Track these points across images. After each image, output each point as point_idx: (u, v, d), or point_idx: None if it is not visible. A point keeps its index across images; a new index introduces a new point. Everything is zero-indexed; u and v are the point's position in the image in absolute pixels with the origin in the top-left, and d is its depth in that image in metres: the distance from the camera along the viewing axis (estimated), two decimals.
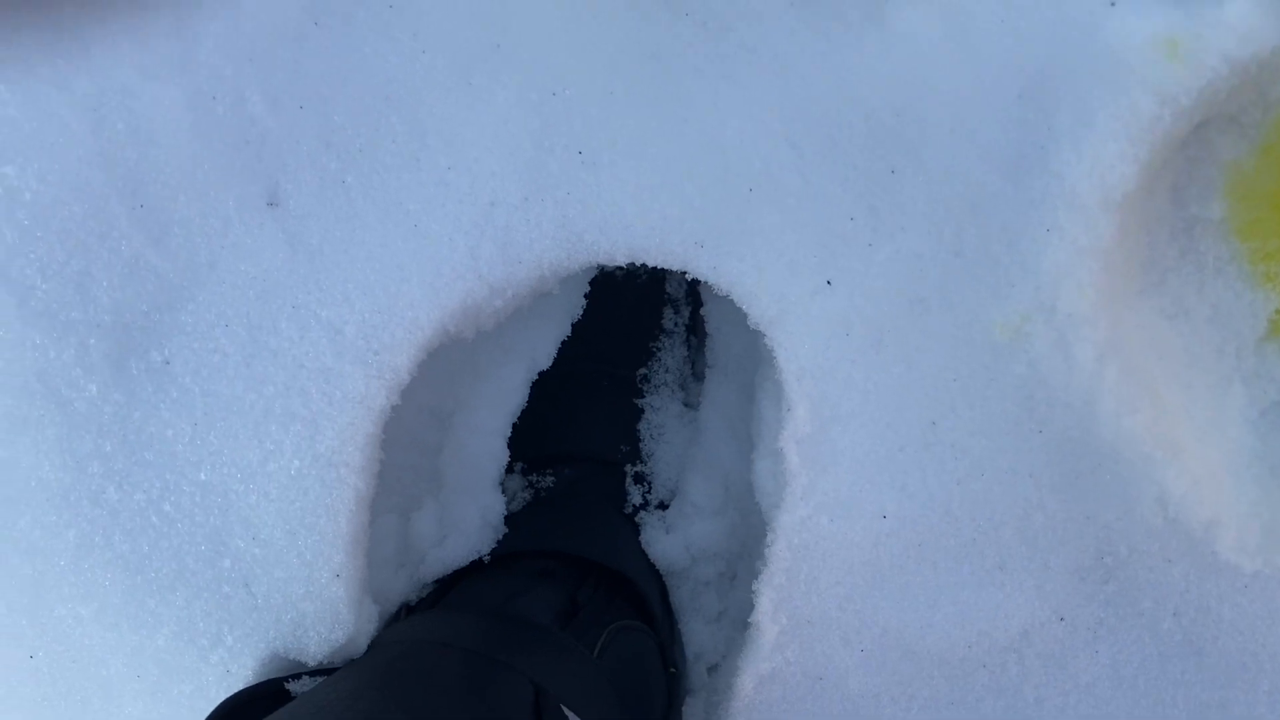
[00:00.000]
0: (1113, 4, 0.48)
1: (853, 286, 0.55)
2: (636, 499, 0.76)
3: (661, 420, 0.77)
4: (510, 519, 0.75)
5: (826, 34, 0.51)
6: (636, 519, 0.76)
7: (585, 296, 0.72)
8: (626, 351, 0.76)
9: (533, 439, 0.76)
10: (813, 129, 0.53)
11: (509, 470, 0.75)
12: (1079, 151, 0.51)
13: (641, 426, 0.77)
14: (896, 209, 0.53)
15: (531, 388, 0.74)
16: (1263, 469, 0.60)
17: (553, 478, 0.75)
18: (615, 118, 0.54)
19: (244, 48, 0.54)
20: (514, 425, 0.74)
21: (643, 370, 0.76)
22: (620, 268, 0.70)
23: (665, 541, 0.76)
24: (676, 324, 0.76)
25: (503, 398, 0.71)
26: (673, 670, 0.74)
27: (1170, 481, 0.56)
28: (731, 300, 0.57)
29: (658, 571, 0.75)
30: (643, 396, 0.77)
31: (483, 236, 0.55)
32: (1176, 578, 0.59)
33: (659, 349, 0.76)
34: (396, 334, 0.56)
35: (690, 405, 0.79)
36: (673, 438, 0.78)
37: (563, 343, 0.72)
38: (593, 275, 0.71)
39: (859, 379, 0.57)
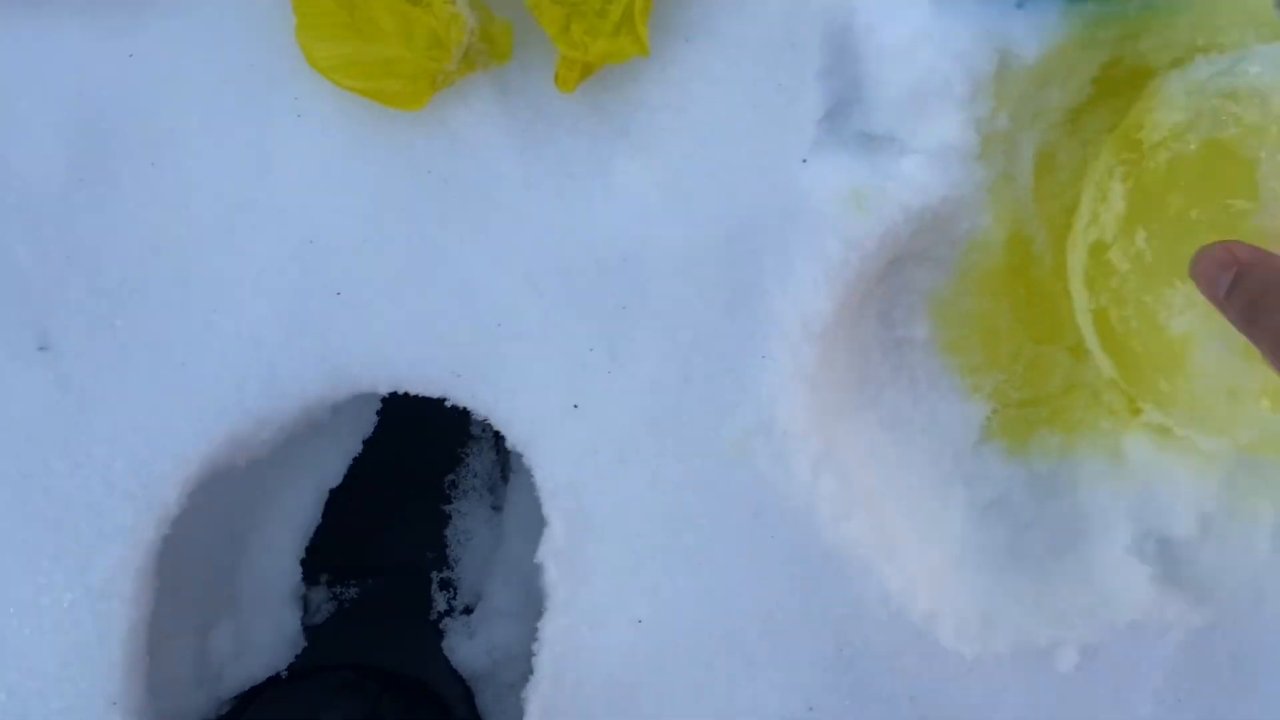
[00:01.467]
0: (805, 161, 0.55)
1: (597, 411, 0.60)
2: (441, 605, 0.79)
3: (469, 525, 0.81)
4: (312, 632, 0.77)
5: (558, 189, 0.57)
6: (441, 625, 0.79)
7: (378, 414, 0.76)
8: (432, 460, 0.79)
9: (336, 551, 0.78)
10: (550, 271, 0.58)
11: (314, 583, 0.78)
12: (783, 288, 0.57)
13: (448, 532, 0.80)
14: (630, 341, 0.59)
15: (334, 499, 0.77)
16: (982, 561, 0.66)
17: (356, 589, 0.78)
18: (370, 262, 0.58)
19: (10, 203, 0.57)
20: (317, 538, 0.77)
21: (451, 476, 0.80)
22: None
23: (468, 646, 0.78)
24: (484, 429, 0.80)
25: (294, 515, 0.74)
26: None
27: (889, 579, 0.61)
28: None
29: (461, 677, 0.78)
30: (450, 502, 0.80)
31: (248, 373, 0.59)
32: (907, 666, 0.65)
33: (466, 454, 0.80)
34: (164, 468, 0.58)
35: (499, 508, 0.83)
36: (479, 542, 0.81)
37: (354, 459, 0.76)
38: (384, 395, 0.75)
39: (608, 495, 0.61)
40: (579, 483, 0.61)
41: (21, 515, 0.58)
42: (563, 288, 0.58)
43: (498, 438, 0.80)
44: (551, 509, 0.61)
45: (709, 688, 0.64)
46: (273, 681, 0.73)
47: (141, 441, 0.59)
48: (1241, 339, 0.56)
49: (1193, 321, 0.56)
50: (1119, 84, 0.64)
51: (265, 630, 0.75)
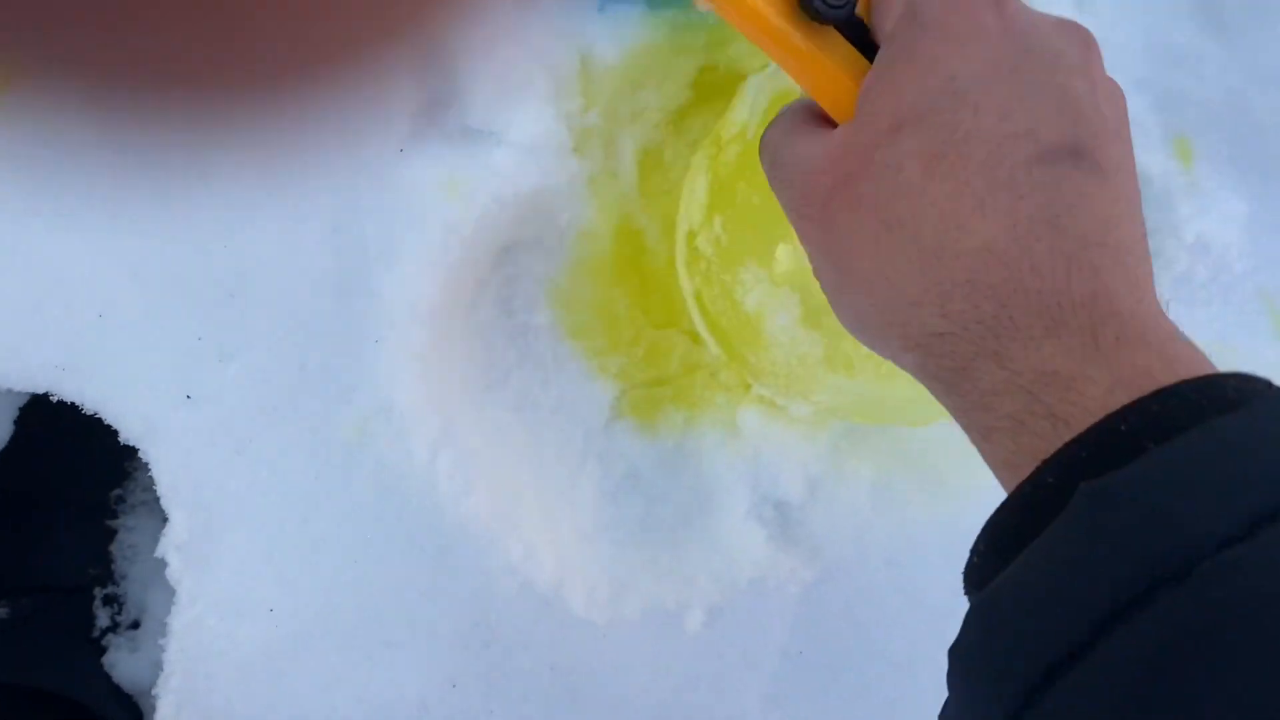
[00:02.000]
0: (401, 150, 0.58)
1: (210, 400, 0.60)
2: (104, 621, 0.77)
3: (136, 540, 0.79)
4: None
5: (155, 183, 0.57)
6: (104, 642, 0.76)
7: (15, 422, 0.73)
8: (94, 473, 0.77)
9: None
10: (151, 261, 0.58)
11: None
12: (390, 274, 0.60)
13: (114, 548, 0.78)
14: (239, 329, 0.60)
15: None
16: (616, 533, 0.71)
17: (8, 609, 0.74)
18: None
19: None
20: None
21: (117, 491, 0.78)
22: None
23: (130, 662, 0.76)
24: None
25: None
26: None
27: (513, 552, 0.65)
28: None
29: (125, 693, 0.76)
30: (116, 517, 0.78)
31: None
32: (543, 636, 0.68)
33: (134, 468, 0.78)
34: None
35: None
36: (148, 558, 0.79)
37: None
38: (25, 400, 0.72)
39: (230, 485, 0.62)
40: (198, 474, 0.61)
41: None
42: (165, 276, 0.58)
43: None
44: (171, 502, 0.61)
45: (348, 672, 0.65)
46: None
47: None
48: (804, 313, 0.62)
49: (762, 297, 0.62)
50: (717, 87, 0.70)
51: None
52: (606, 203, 0.66)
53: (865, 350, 0.66)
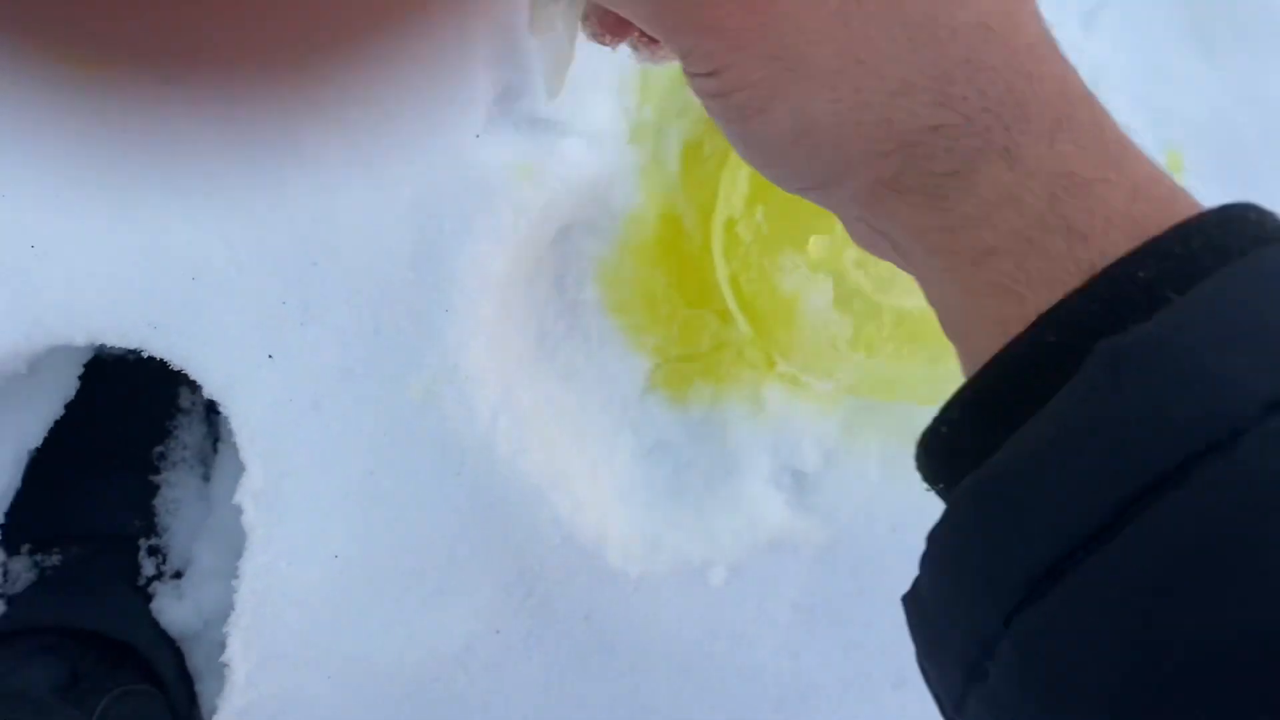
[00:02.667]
0: (478, 137, 0.63)
1: (291, 359, 0.65)
2: (150, 570, 0.81)
3: (178, 495, 0.83)
4: (12, 600, 0.77)
5: (250, 155, 0.62)
6: (149, 590, 0.81)
7: (80, 379, 0.77)
8: (139, 430, 0.81)
9: (38, 519, 0.78)
10: (243, 229, 0.63)
11: (14, 552, 0.78)
12: (462, 249, 0.65)
13: (157, 502, 0.82)
14: (321, 295, 0.64)
15: (31, 467, 0.77)
16: (647, 494, 0.76)
17: (59, 556, 0.78)
18: (65, 218, 0.61)
19: None
20: (15, 507, 0.77)
21: (159, 448, 0.82)
22: (128, 351, 0.76)
23: (177, 608, 0.81)
24: (194, 403, 0.83)
25: None
26: None
27: (560, 507, 0.70)
28: None
29: (170, 638, 0.80)
30: (159, 473, 0.82)
31: None
32: (580, 587, 0.73)
33: (175, 427, 0.82)
34: None
35: (209, 479, 0.85)
36: (189, 511, 0.83)
37: (57, 422, 0.77)
38: (89, 357, 0.76)
39: (303, 438, 0.67)
40: (275, 428, 0.66)
41: None
42: (255, 244, 0.63)
43: (208, 410, 0.83)
44: (249, 453, 0.66)
45: (402, 617, 0.70)
46: None
47: None
48: (836, 296, 0.68)
49: (798, 282, 0.69)
50: None
51: None
52: (653, 191, 0.72)
53: (887, 332, 0.72)
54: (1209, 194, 0.68)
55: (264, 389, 0.65)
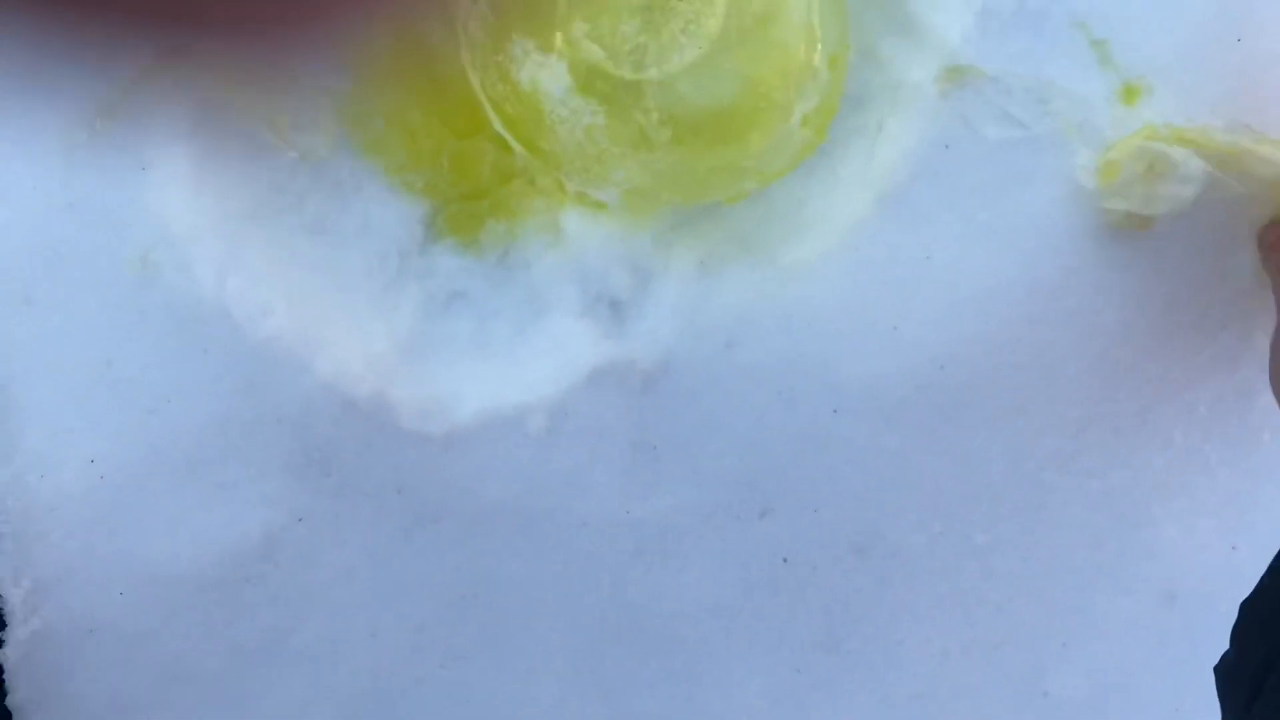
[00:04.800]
0: None
1: None
2: None
3: None
4: None
5: None
6: None
7: None
8: None
9: None
10: None
11: None
12: (144, 99, 0.57)
13: None
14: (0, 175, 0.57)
15: None
16: (446, 350, 0.69)
17: None
18: None
19: None
20: None
21: None
22: None
23: None
24: None
25: None
26: None
27: (320, 369, 0.63)
28: None
29: None
30: None
31: None
32: (379, 456, 0.66)
33: None
34: None
35: None
36: None
37: None
38: None
39: (22, 335, 0.60)
40: None
41: None
42: None
43: None
44: None
45: (184, 515, 0.64)
46: None
47: None
48: (575, 82, 0.59)
49: (533, 71, 0.60)
50: None
51: None
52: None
53: (656, 117, 0.63)
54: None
55: None
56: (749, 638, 0.68)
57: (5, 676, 0.63)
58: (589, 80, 0.58)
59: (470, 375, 0.68)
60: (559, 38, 0.59)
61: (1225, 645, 0.50)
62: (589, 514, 0.70)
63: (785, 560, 0.68)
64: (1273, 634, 0.32)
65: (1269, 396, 0.64)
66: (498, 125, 0.66)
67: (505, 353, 0.70)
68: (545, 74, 0.58)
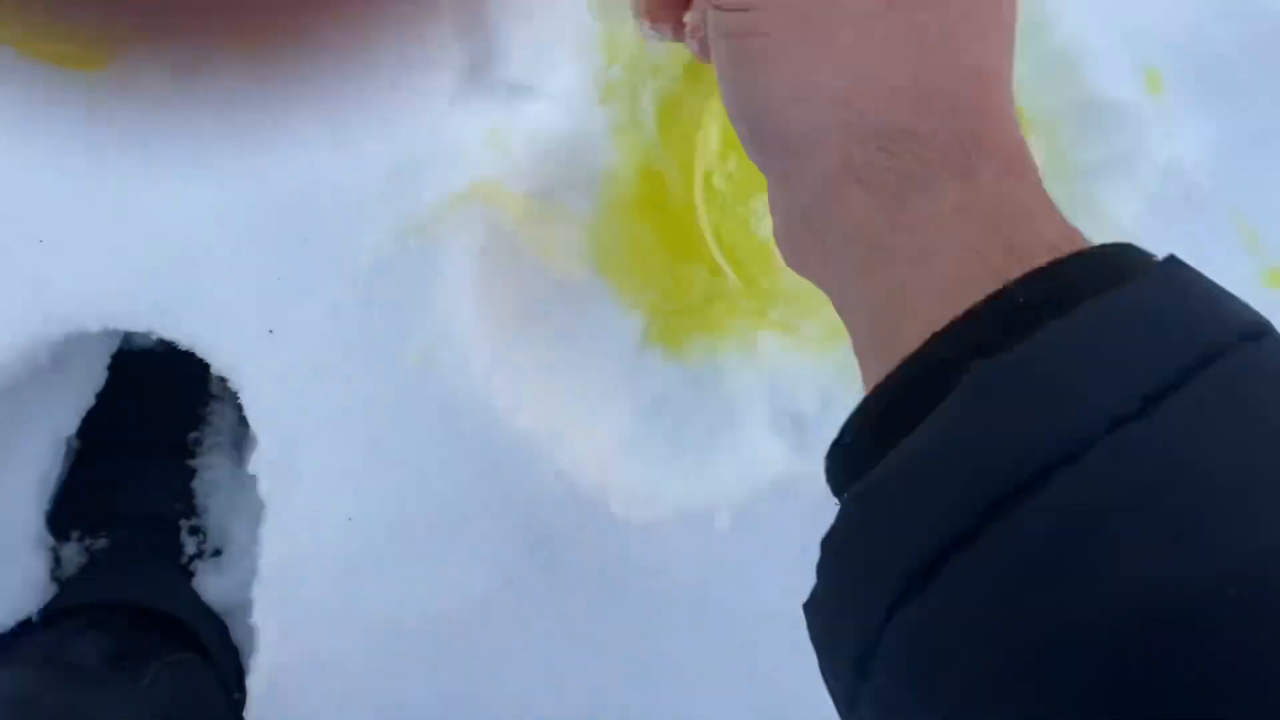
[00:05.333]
0: (450, 106, 0.64)
1: (290, 333, 0.67)
2: (191, 549, 0.84)
3: (214, 477, 0.86)
4: (64, 581, 0.81)
5: (235, 136, 0.64)
6: (191, 568, 0.84)
7: (108, 369, 0.80)
8: (173, 417, 0.84)
9: (84, 506, 0.82)
10: (234, 210, 0.65)
11: (65, 539, 0.81)
12: (443, 218, 0.66)
13: (195, 484, 0.85)
14: (313, 270, 0.66)
15: (71, 456, 0.81)
16: (649, 446, 0.77)
17: (106, 540, 0.82)
18: (70, 212, 0.64)
19: None
20: (60, 495, 0.81)
21: (194, 434, 0.85)
22: (158, 340, 0.79)
23: (218, 584, 0.84)
24: (225, 389, 0.86)
25: (30, 463, 0.77)
26: (237, 696, 0.81)
27: (561, 461, 0.71)
28: None
29: (213, 611, 0.83)
30: (195, 457, 0.85)
31: None
32: (589, 538, 0.74)
33: (209, 413, 0.85)
34: None
35: (242, 463, 0.88)
36: (225, 492, 0.86)
37: (90, 411, 0.80)
38: (113, 348, 0.79)
39: (310, 408, 0.69)
40: (281, 400, 0.68)
41: None
42: (248, 226, 0.65)
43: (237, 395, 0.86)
44: (260, 426, 0.68)
45: (418, 573, 0.72)
46: (22, 625, 0.77)
47: None
48: None
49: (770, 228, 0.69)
50: None
51: (12, 579, 0.78)
52: (631, 148, 0.72)
53: None
54: (1191, 113, 0.66)
55: (268, 363, 0.67)
56: None
57: (249, 702, 0.72)
58: None
59: (671, 472, 0.77)
60: None
61: None
62: (757, 605, 0.78)
63: None
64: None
65: None
66: (718, 256, 0.75)
67: (700, 454, 0.78)
68: None
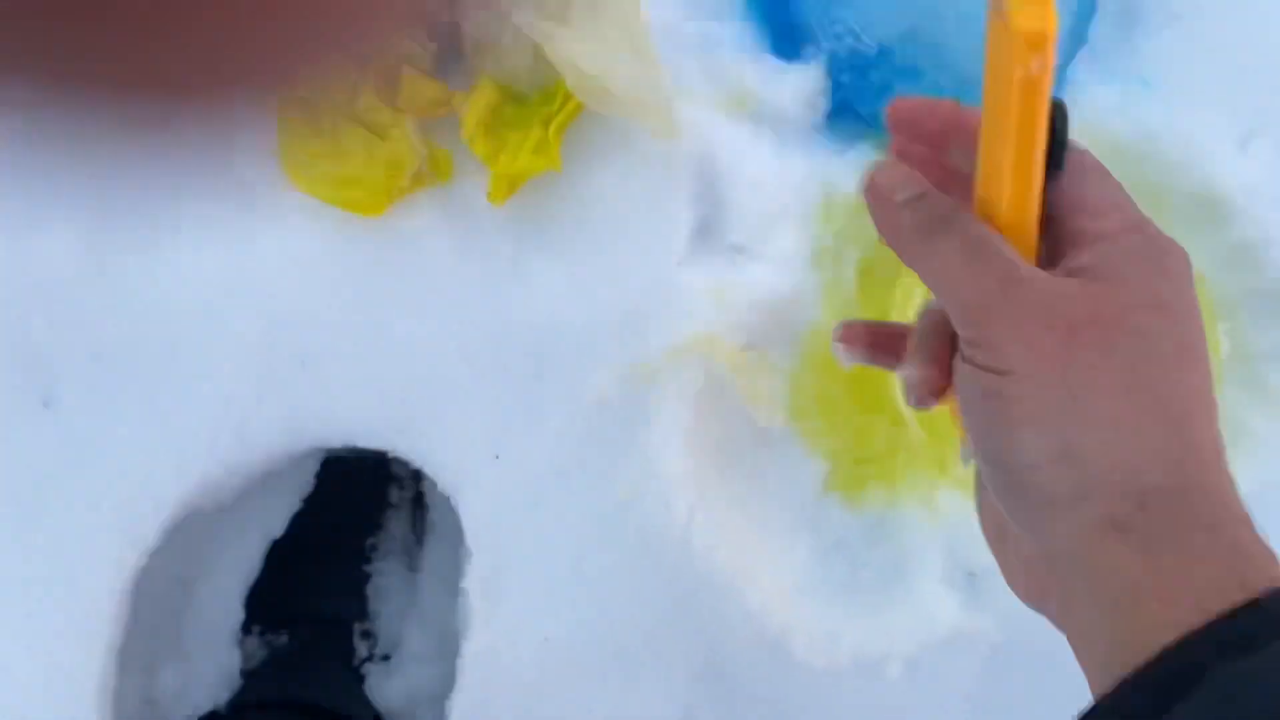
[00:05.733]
0: (679, 264, 0.70)
1: (514, 460, 0.72)
2: (363, 652, 0.88)
3: (387, 582, 0.90)
4: (248, 674, 0.85)
5: (485, 279, 0.70)
6: (362, 670, 0.88)
7: (315, 476, 0.86)
8: (356, 523, 0.90)
9: (270, 602, 0.87)
10: (478, 345, 0.71)
11: (248, 632, 0.86)
12: (665, 365, 0.72)
13: (369, 589, 0.90)
14: (542, 403, 0.71)
15: (269, 555, 0.86)
16: (825, 591, 0.80)
17: (287, 636, 0.87)
18: (330, 338, 0.70)
19: (29, 283, 0.68)
20: (254, 591, 0.86)
21: (372, 540, 0.90)
22: (350, 449, 0.85)
23: (387, 687, 0.87)
24: (401, 499, 0.91)
25: (240, 565, 0.83)
26: None
27: (750, 601, 0.74)
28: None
29: (380, 714, 0.87)
30: (370, 562, 0.90)
31: (221, 428, 0.69)
32: (767, 675, 0.77)
33: (386, 520, 0.91)
34: (146, 508, 0.68)
35: (415, 570, 0.93)
36: (397, 597, 0.91)
37: (295, 514, 0.86)
38: (323, 456, 0.85)
39: (523, 531, 0.73)
40: (499, 521, 0.73)
41: (20, 549, 0.67)
42: (489, 358, 0.71)
43: (414, 505, 0.91)
44: (475, 543, 0.73)
45: (602, 696, 0.75)
46: (211, 715, 0.81)
47: (128, 484, 0.68)
48: None
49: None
50: None
51: (208, 672, 0.83)
52: (833, 306, 0.77)
53: None
54: None
55: (490, 486, 0.72)
56: None
57: None
58: None
59: (847, 619, 0.79)
60: None
61: None
62: None
63: None
64: None
65: None
66: (905, 411, 0.79)
67: (872, 601, 0.81)
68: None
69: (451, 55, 0.68)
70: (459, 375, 0.70)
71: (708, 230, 0.72)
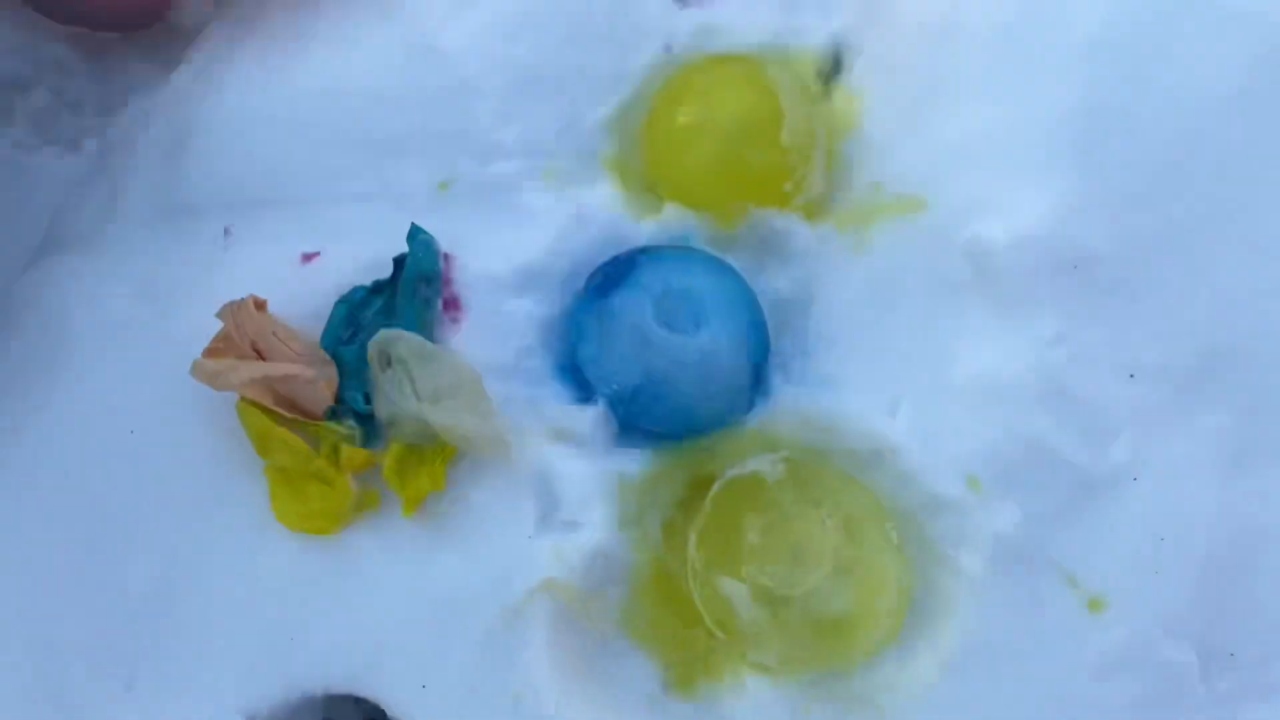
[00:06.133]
0: (530, 537, 1.10)
1: (438, 687, 1.07)
2: None
3: None
4: None
5: (398, 564, 1.09)
6: None
7: None
8: None
9: None
10: (422, 606, 1.09)
11: None
12: (519, 617, 1.09)
13: None
14: (461, 642, 1.08)
15: None
16: None
17: None
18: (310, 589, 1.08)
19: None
20: None
21: None
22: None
23: None
24: None
25: None
26: None
27: None
28: None
29: None
30: None
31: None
32: None
33: None
34: None
35: None
36: None
37: None
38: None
39: None
40: None
41: None
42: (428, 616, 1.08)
43: None
44: None
45: None
46: None
47: None
48: (753, 596, 1.09)
49: (730, 592, 1.09)
50: (706, 482, 1.21)
51: None
52: (645, 555, 1.16)
53: (797, 615, 1.10)
54: (1004, 501, 1.10)
55: (428, 706, 1.06)
56: None
57: None
58: (760, 595, 1.08)
59: None
60: (744, 572, 1.10)
61: None
62: None
63: None
64: None
65: None
66: (709, 621, 1.15)
67: None
68: (737, 595, 1.08)
69: (372, 431, 1.12)
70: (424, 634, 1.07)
71: (547, 513, 1.13)
